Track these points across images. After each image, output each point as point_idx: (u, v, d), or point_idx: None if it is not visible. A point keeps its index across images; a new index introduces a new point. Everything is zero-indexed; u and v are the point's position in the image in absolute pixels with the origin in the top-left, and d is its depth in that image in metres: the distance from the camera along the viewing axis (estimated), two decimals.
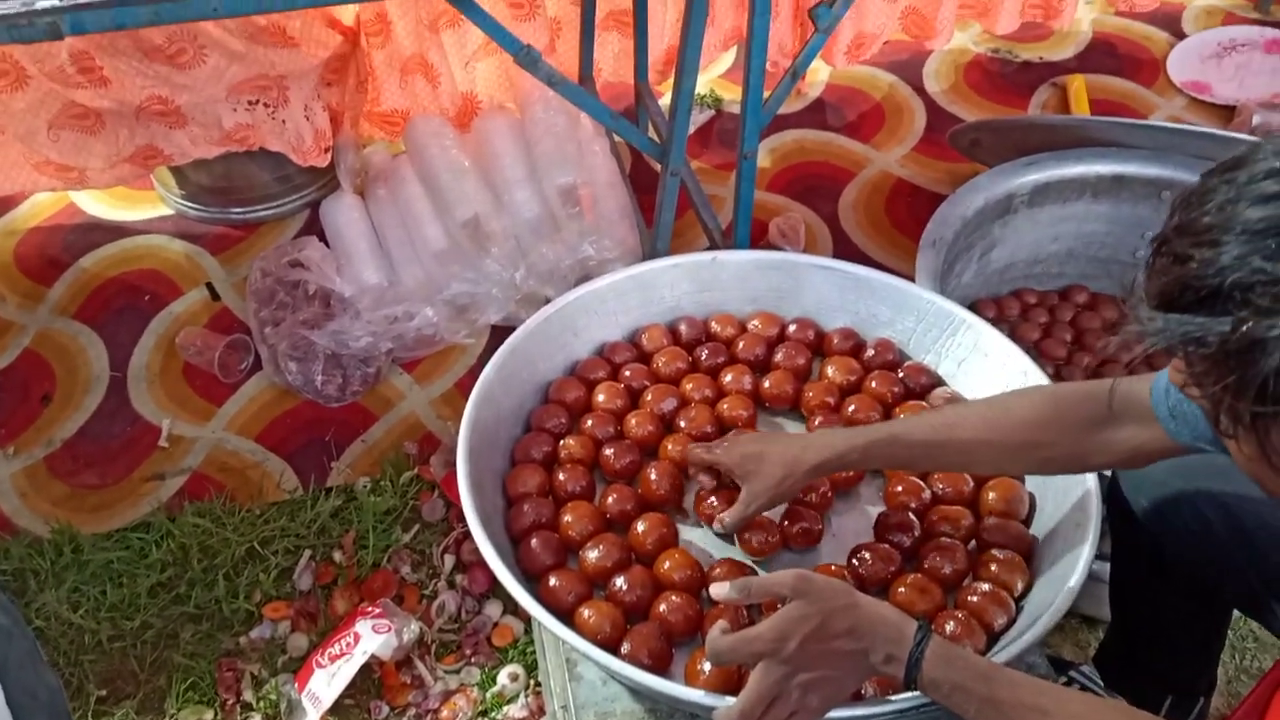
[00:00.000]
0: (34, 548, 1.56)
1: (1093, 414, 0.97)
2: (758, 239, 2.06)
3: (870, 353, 1.37)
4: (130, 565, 1.54)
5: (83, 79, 1.76)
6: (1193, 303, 0.61)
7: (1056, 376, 1.68)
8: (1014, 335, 1.75)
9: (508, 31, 1.52)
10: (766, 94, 1.73)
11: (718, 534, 1.20)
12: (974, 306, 1.79)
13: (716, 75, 2.47)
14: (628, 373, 1.36)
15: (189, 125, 1.86)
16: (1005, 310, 1.80)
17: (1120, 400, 0.95)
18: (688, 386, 1.34)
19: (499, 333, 1.89)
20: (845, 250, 2.06)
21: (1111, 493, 1.16)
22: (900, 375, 1.34)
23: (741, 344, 1.39)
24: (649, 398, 1.32)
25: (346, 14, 1.89)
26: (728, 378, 1.35)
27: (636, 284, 1.42)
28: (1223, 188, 0.62)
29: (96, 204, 2.11)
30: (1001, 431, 1.01)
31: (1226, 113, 2.29)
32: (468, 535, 1.54)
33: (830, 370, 1.35)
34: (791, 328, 1.41)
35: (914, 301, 1.36)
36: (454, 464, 1.66)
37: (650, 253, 1.90)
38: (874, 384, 1.33)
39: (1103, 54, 2.47)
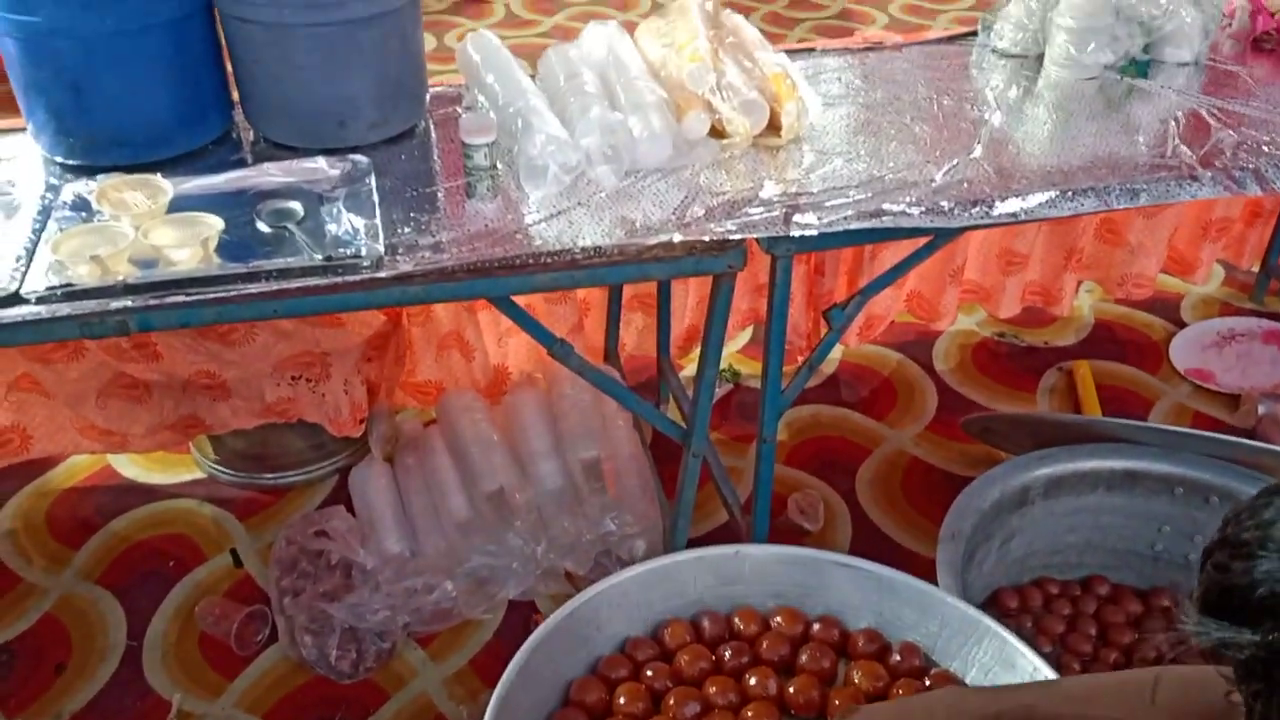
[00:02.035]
0: None
1: (1210, 701, 0.95)
2: (777, 514, 2.08)
3: (896, 657, 1.36)
4: None
5: (136, 354, 1.86)
6: (1229, 610, 0.65)
7: (1085, 674, 1.65)
8: (1038, 628, 1.74)
9: (543, 326, 1.62)
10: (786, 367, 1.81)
11: None
12: (996, 595, 1.79)
13: (735, 350, 2.57)
14: (649, 672, 1.35)
15: (232, 398, 1.95)
16: (1028, 601, 1.79)
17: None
18: (711, 690, 1.32)
19: (516, 608, 1.89)
20: (864, 529, 2.08)
21: None
22: (927, 684, 1.32)
23: (765, 643, 1.39)
24: (671, 701, 1.31)
25: None
26: (752, 680, 1.34)
27: (660, 576, 1.43)
28: (1268, 508, 0.67)
29: (132, 466, 2.17)
30: (1139, 707, 0.98)
31: (1231, 401, 2.37)
32: None
33: (856, 676, 1.34)
34: (816, 626, 1.41)
35: (938, 606, 1.37)
36: None
37: (671, 528, 1.92)
38: (900, 692, 1.31)
39: (1106, 340, 2.58)
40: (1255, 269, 2.72)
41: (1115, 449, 1.76)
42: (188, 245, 1.38)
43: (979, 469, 2.08)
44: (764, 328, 1.73)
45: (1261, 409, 2.24)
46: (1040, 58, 1.99)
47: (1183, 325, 2.61)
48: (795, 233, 1.50)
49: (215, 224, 1.41)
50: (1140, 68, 1.96)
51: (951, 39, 2.11)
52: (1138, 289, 2.55)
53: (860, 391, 2.45)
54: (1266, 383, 2.37)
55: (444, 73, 3.55)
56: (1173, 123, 1.78)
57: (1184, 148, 1.70)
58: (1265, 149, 1.71)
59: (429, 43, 3.88)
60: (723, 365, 2.53)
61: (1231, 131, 1.76)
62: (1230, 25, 2.10)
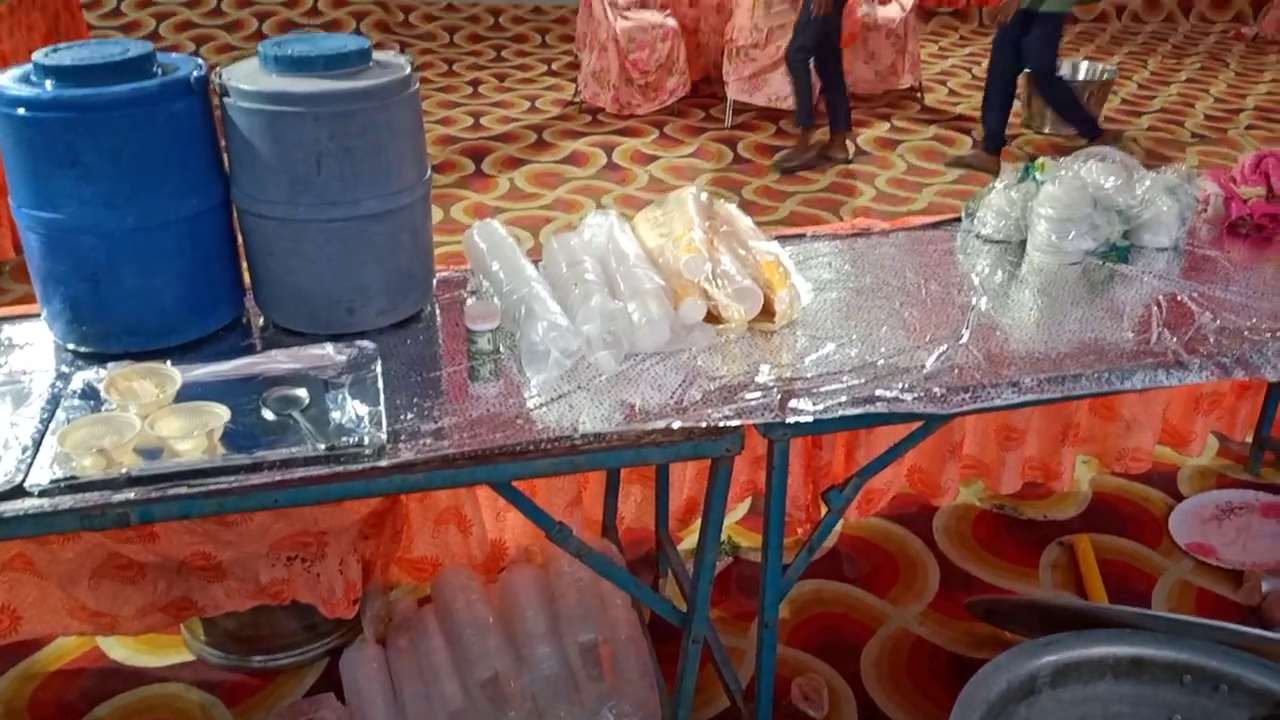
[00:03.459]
0: None
1: None
2: (780, 698, 2.03)
3: None
4: None
5: (133, 534, 1.85)
6: None
7: None
8: None
9: (541, 510, 1.62)
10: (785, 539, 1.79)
11: None
12: None
13: (733, 521, 2.56)
14: None
15: (226, 579, 1.93)
16: None
17: None
18: None
19: None
20: (870, 715, 2.02)
21: None
22: None
23: None
24: None
25: None
26: None
27: None
28: None
29: (121, 648, 2.12)
30: None
31: (1234, 576, 2.34)
32: None
33: None
34: None
35: None
36: None
37: (671, 719, 1.87)
38: None
39: (1105, 514, 2.57)
40: (1249, 440, 2.74)
41: (1121, 634, 1.73)
42: (193, 435, 1.40)
43: (985, 650, 2.06)
44: (763, 503, 1.74)
45: (1266, 586, 2.22)
46: (1023, 243, 2.07)
47: (1181, 497, 2.61)
48: (791, 419, 1.53)
49: (221, 414, 1.44)
50: (1121, 253, 2.03)
51: (936, 224, 2.20)
52: (1135, 463, 2.57)
53: (862, 567, 2.42)
54: (1269, 558, 2.35)
55: (450, 244, 3.68)
56: (1155, 308, 1.84)
57: (1168, 333, 1.74)
58: (1247, 334, 1.75)
59: (436, 214, 4.04)
60: (722, 538, 2.51)
61: (1212, 315, 1.81)
62: (1206, 211, 2.20)
